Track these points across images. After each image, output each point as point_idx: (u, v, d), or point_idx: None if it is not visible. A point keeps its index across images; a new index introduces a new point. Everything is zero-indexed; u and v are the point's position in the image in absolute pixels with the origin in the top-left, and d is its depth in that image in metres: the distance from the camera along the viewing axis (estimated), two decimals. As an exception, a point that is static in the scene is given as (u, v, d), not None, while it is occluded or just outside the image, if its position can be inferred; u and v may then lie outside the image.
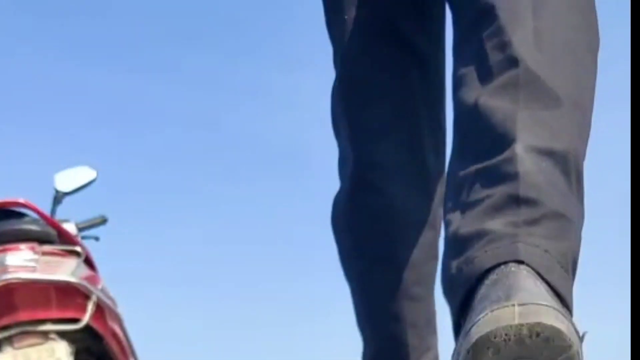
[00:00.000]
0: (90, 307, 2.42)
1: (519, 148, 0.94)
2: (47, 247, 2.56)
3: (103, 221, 3.19)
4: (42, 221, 2.66)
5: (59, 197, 3.13)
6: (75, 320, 2.40)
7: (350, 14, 1.32)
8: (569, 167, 0.96)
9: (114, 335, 2.58)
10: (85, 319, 2.40)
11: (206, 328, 6.85)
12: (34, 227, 2.61)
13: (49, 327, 2.37)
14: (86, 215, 3.16)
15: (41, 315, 2.36)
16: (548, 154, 0.94)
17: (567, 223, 0.93)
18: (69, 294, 2.41)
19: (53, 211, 3.10)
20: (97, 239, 3.16)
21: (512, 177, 0.92)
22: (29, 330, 2.35)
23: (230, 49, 7.28)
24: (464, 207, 0.95)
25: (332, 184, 1.45)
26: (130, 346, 2.71)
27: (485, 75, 0.99)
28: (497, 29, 1.01)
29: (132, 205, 6.88)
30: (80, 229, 3.08)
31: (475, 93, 1.00)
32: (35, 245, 2.54)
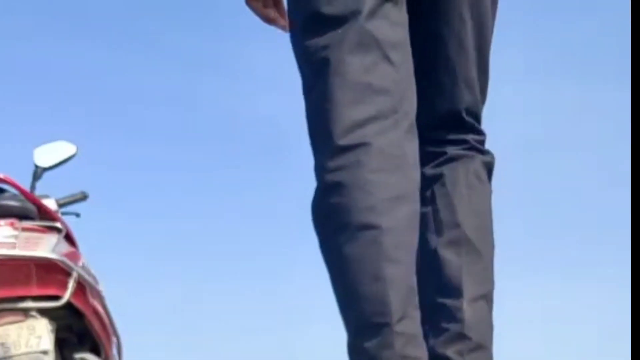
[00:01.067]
0: (71, 284, 2.38)
1: (464, 302, 1.52)
2: (27, 223, 2.51)
3: (83, 197, 3.15)
4: (21, 197, 2.61)
5: (38, 173, 3.09)
6: (55, 298, 2.36)
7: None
8: (489, 299, 1.56)
9: (95, 312, 2.54)
10: (66, 296, 2.36)
11: (186, 303, 6.82)
12: (13, 203, 2.56)
13: (29, 304, 2.32)
14: (66, 191, 3.12)
15: (21, 292, 2.31)
16: (480, 297, 1.54)
17: (487, 351, 1.54)
18: (50, 271, 2.36)
19: (33, 187, 3.05)
20: (77, 215, 3.12)
21: (460, 320, 1.52)
22: (9, 308, 2.30)
23: (212, 26, 7.21)
24: (436, 332, 1.52)
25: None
26: (112, 323, 2.67)
27: (439, 230, 1.57)
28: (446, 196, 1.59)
29: (113, 181, 6.82)
30: (60, 205, 3.03)
31: (434, 242, 1.56)
32: (15, 221, 2.49)
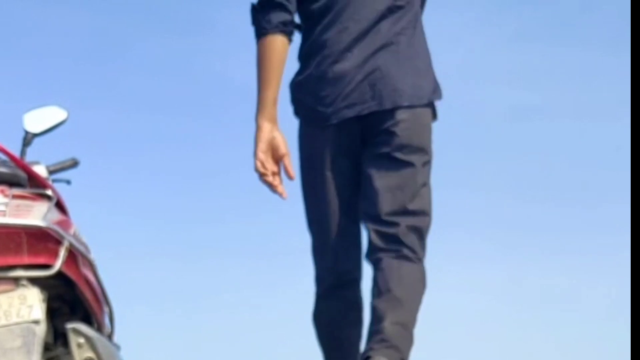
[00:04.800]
0: (62, 252, 2.34)
1: (386, 322, 2.28)
2: (17, 191, 2.46)
3: (74, 164, 3.10)
4: (11, 163, 2.56)
5: (28, 139, 3.04)
6: (47, 267, 2.31)
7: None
8: (406, 327, 2.30)
9: (87, 281, 2.50)
10: (58, 265, 2.31)
11: (179, 272, 6.81)
12: (3, 170, 2.51)
13: (20, 273, 2.28)
14: (57, 158, 3.07)
15: (12, 261, 2.27)
16: (397, 323, 2.27)
17: (399, 352, 2.25)
18: (41, 239, 2.31)
19: (22, 153, 3.01)
20: (68, 182, 3.07)
21: (380, 332, 2.27)
22: (-1, 277, 2.26)
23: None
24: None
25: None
26: (104, 293, 2.64)
27: (379, 296, 2.34)
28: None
29: (104, 147, 6.77)
30: (50, 172, 2.99)
31: (375, 302, 2.35)
32: (5, 188, 2.44)
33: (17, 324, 2.23)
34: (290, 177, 2.40)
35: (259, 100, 2.38)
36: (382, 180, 2.35)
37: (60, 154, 3.09)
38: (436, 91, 2.40)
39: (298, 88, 2.46)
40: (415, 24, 2.41)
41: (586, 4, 7.09)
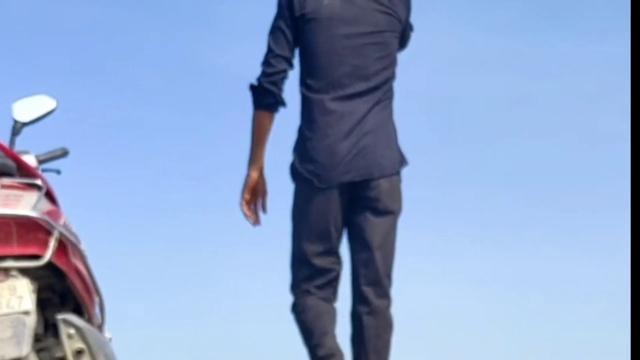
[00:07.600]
0: (52, 243, 2.32)
1: None
2: (6, 180, 2.44)
3: (64, 153, 3.09)
4: (0, 153, 2.54)
5: (17, 128, 3.02)
6: (37, 257, 2.30)
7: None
8: None
9: (77, 272, 2.49)
10: (48, 255, 2.30)
11: (169, 261, 6.80)
12: (-8, 159, 2.49)
13: (9, 263, 2.26)
14: (46, 147, 3.05)
15: (1, 251, 2.25)
16: None
17: None
18: (31, 230, 2.30)
19: (11, 142, 2.99)
20: (58, 172, 3.06)
21: None
22: (-12, 267, 2.24)
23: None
24: None
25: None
26: (94, 283, 2.63)
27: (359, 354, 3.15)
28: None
29: (94, 137, 6.75)
30: (40, 162, 2.97)
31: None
32: (-7, 178, 2.43)
33: (6, 314, 2.22)
34: (264, 211, 3.21)
35: (251, 154, 3.15)
36: (374, 248, 3.08)
37: (50, 144, 3.07)
38: (402, 160, 3.16)
39: (301, 155, 3.10)
40: (392, 111, 3.15)
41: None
